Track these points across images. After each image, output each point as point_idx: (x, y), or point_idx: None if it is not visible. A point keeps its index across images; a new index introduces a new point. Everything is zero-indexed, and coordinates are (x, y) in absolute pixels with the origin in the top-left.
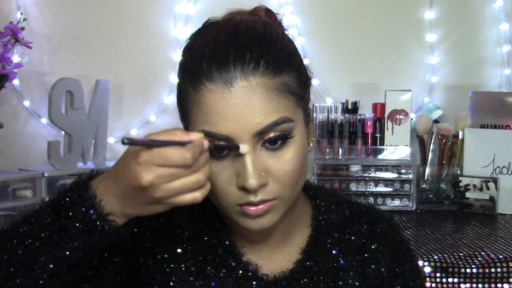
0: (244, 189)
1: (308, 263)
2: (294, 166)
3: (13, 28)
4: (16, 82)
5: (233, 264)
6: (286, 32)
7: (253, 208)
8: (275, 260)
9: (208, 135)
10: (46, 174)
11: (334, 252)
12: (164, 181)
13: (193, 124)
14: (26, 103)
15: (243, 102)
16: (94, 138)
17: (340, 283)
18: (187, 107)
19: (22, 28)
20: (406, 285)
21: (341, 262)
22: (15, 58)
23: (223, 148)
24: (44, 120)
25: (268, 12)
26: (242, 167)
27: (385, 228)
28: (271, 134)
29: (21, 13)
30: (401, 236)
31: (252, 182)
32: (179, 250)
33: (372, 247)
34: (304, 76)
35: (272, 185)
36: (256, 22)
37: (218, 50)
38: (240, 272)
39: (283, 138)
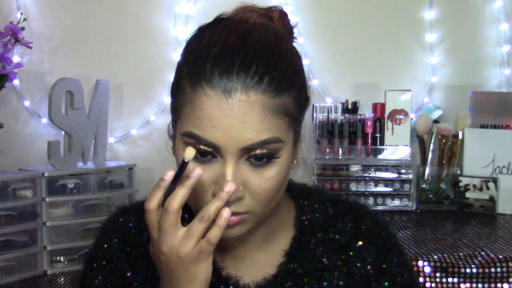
0: None
1: (291, 265)
2: (273, 185)
3: (13, 28)
4: (16, 82)
5: (214, 280)
6: (295, 40)
7: None
8: (258, 264)
9: (194, 137)
10: (46, 174)
11: (318, 252)
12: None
13: (182, 122)
14: (26, 103)
15: (238, 115)
16: (94, 138)
17: (324, 284)
18: (181, 103)
19: (22, 28)
20: (394, 281)
21: (325, 262)
22: (15, 58)
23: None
24: (44, 120)
25: (283, 15)
26: (222, 178)
27: (370, 224)
28: (258, 151)
29: (21, 13)
30: (388, 232)
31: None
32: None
33: (357, 245)
34: (303, 97)
35: (247, 200)
36: (269, 31)
37: (224, 56)
38: (221, 287)
39: (269, 157)
